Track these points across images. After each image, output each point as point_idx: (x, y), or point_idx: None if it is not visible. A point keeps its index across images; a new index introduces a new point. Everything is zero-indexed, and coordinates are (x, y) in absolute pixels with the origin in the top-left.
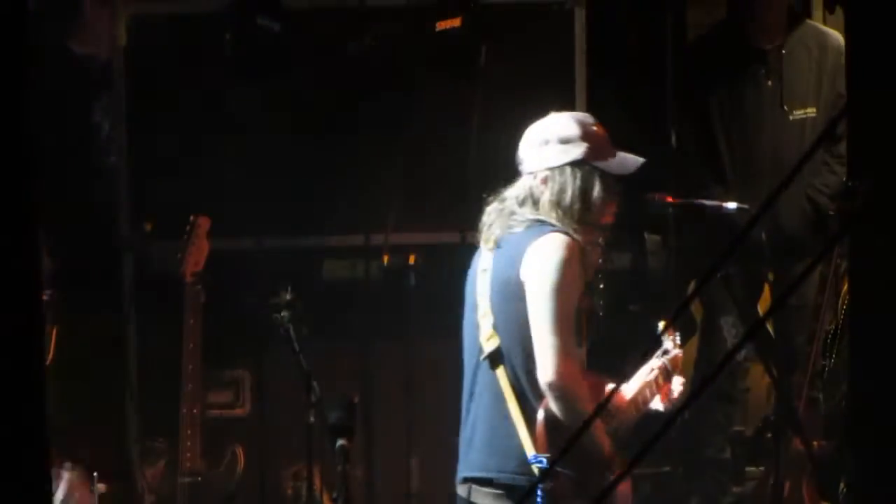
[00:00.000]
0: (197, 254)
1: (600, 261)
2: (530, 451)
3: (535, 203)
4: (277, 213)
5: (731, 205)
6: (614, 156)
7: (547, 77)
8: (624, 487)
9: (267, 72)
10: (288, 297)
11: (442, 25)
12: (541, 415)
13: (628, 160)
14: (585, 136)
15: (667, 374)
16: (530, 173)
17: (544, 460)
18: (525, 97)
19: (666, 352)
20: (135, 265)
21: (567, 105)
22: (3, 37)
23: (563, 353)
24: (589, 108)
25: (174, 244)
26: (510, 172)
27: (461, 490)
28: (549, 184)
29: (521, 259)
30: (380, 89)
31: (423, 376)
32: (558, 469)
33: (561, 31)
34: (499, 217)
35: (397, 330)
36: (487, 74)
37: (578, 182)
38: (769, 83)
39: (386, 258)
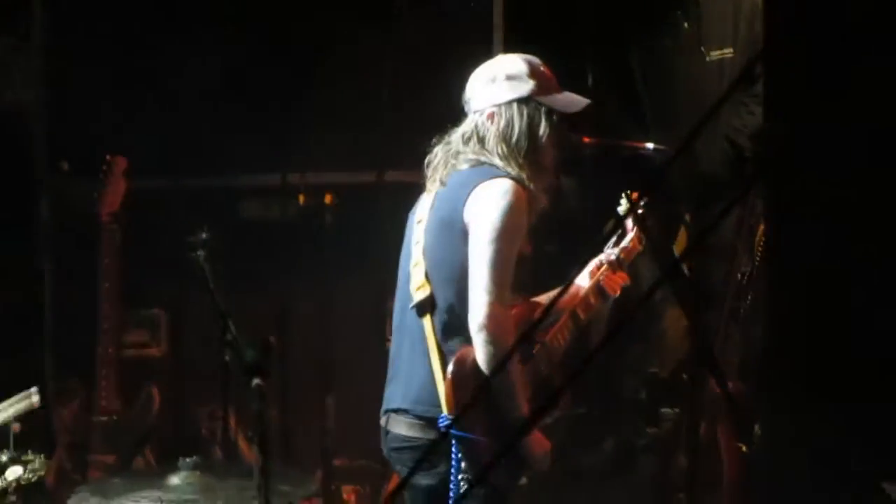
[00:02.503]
0: (113, 194)
1: (545, 204)
2: (443, 398)
3: (481, 140)
4: (194, 153)
5: (649, 146)
6: (561, 94)
7: (463, 17)
8: (542, 443)
9: (185, 12)
10: (204, 236)
11: None
12: (450, 369)
13: (575, 99)
14: (533, 73)
15: (618, 263)
16: (477, 111)
17: (449, 422)
18: (441, 37)
19: (619, 242)
20: (52, 204)
21: (483, 46)
22: None
23: (498, 300)
24: (505, 50)
25: (91, 183)
26: (426, 112)
27: (382, 421)
28: (496, 119)
29: (465, 199)
30: (295, 29)
31: (339, 315)
32: (465, 435)
33: None
34: (443, 158)
35: (313, 269)
36: (404, 14)
37: (525, 118)
38: (686, 25)
39: (302, 198)
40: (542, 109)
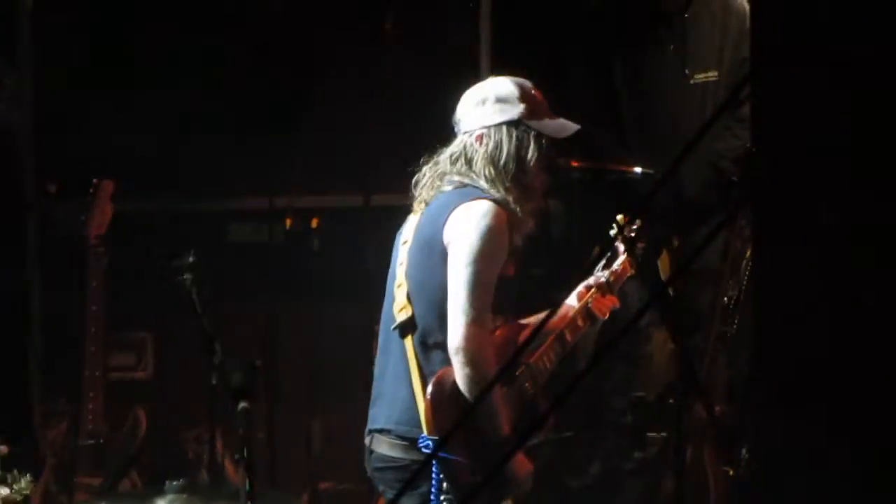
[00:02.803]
0: (100, 217)
1: (531, 227)
2: (423, 419)
3: (469, 161)
4: (181, 177)
5: (637, 170)
6: (552, 119)
7: (452, 40)
8: (524, 465)
9: (175, 30)
10: (191, 259)
11: None
12: (429, 391)
13: (565, 125)
14: (523, 97)
15: (608, 286)
16: (466, 132)
17: (431, 444)
18: (430, 60)
19: (609, 265)
20: (39, 227)
21: (471, 70)
22: None
23: (476, 323)
24: (493, 70)
25: (78, 206)
26: (413, 135)
27: (367, 441)
28: (485, 141)
29: (445, 220)
30: (283, 54)
31: (326, 339)
32: (446, 455)
33: None
34: (430, 178)
35: (300, 292)
36: (394, 37)
37: (514, 141)
38: (671, 47)
39: (289, 221)
40: (532, 133)
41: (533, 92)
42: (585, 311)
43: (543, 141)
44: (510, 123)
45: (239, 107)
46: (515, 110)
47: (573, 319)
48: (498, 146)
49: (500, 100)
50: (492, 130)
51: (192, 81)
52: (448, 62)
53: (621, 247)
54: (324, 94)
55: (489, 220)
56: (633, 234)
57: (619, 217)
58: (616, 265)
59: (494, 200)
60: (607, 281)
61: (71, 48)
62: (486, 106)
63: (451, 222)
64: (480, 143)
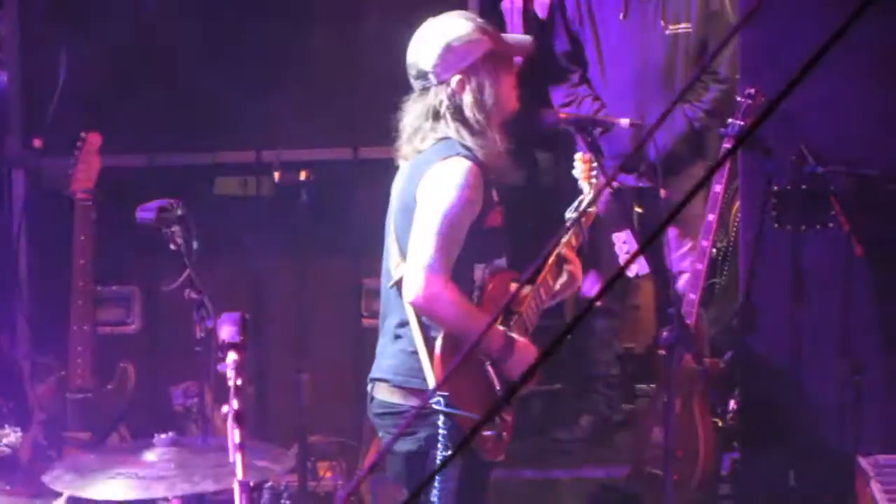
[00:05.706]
0: (87, 170)
1: (510, 167)
2: (429, 374)
3: (458, 110)
4: (169, 130)
5: (624, 121)
6: (508, 40)
7: None
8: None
9: None
10: (179, 212)
11: None
12: (439, 342)
13: (521, 40)
14: (479, 27)
15: (579, 227)
16: (442, 83)
17: (442, 400)
18: (417, 12)
19: (579, 205)
20: (25, 182)
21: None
22: None
23: (430, 271)
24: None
25: (65, 160)
26: (402, 88)
27: (369, 388)
28: (467, 85)
29: (420, 178)
30: (272, 6)
31: (315, 292)
32: (459, 412)
33: None
34: (408, 136)
35: (289, 246)
36: None
37: (492, 75)
38: None
39: (277, 174)
40: (502, 60)
41: (479, 19)
42: (558, 256)
43: (511, 63)
44: (484, 58)
45: (226, 59)
46: (483, 43)
47: (552, 264)
48: (481, 86)
49: (464, 38)
50: (469, 72)
51: (180, 34)
52: (436, 11)
53: (586, 187)
54: (311, 48)
55: (459, 177)
56: (594, 175)
57: (578, 156)
58: (585, 206)
59: (468, 157)
60: (578, 221)
61: (56, 4)
62: (454, 48)
63: (423, 180)
64: (463, 89)
